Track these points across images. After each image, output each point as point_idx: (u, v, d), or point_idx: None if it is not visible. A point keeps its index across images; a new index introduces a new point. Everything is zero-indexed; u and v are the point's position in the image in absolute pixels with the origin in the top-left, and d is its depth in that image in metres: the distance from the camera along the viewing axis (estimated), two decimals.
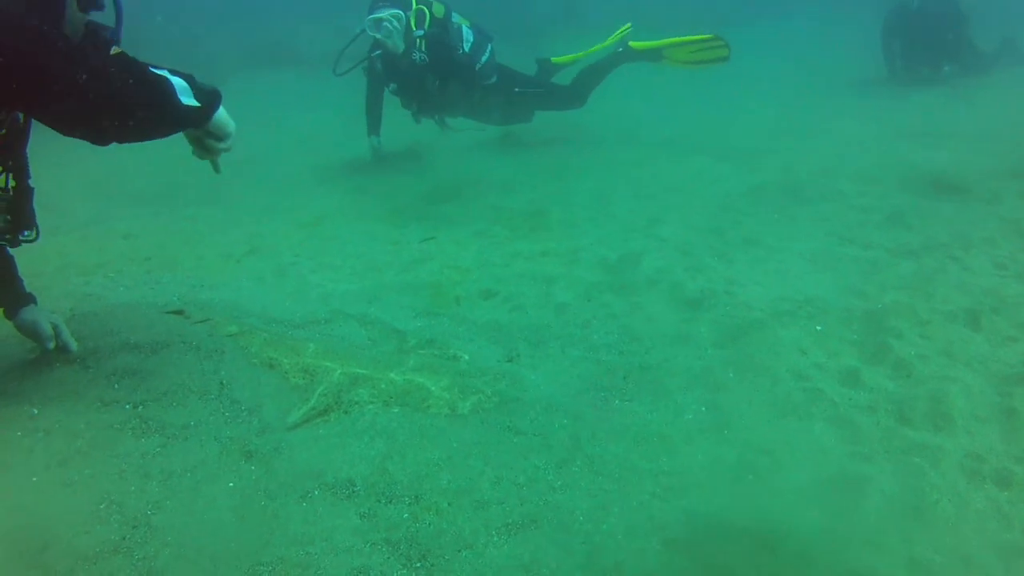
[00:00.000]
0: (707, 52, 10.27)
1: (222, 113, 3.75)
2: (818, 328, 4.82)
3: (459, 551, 3.08)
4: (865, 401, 4.11)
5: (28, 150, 3.98)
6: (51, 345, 4.20)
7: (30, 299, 4.29)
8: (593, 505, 3.33)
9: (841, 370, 4.41)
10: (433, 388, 4.17)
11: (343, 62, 9.41)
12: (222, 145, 3.85)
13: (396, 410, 4.01)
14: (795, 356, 4.52)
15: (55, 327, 4.26)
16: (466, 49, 9.49)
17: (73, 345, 4.27)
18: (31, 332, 4.24)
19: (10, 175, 3.91)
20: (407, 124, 10.19)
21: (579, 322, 5.13)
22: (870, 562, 3.02)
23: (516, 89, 10.17)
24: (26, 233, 3.99)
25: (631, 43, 10.38)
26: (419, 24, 9.04)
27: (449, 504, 3.33)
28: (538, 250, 6.50)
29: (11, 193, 3.91)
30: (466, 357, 4.56)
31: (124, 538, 3.12)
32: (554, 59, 10.67)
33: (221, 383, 4.19)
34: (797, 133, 10.21)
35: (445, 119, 10.07)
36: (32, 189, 4.00)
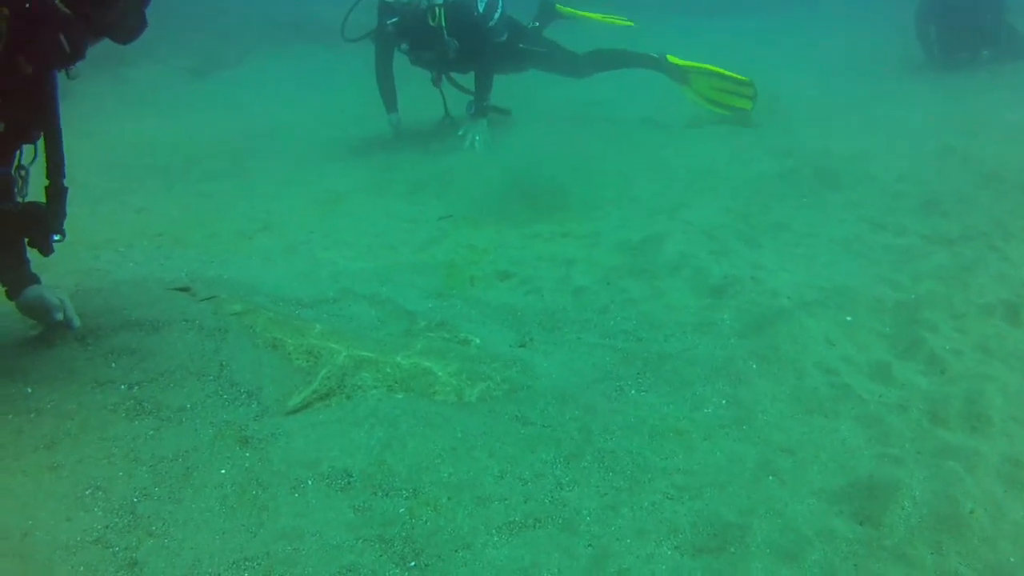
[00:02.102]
0: (732, 96, 10.06)
1: None
2: (847, 319, 4.60)
3: (455, 551, 2.90)
4: (896, 399, 3.88)
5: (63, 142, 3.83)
6: (59, 316, 4.08)
7: (35, 279, 4.16)
8: (602, 504, 3.14)
9: (871, 364, 4.19)
10: (440, 373, 4.00)
11: (351, 27, 9.23)
12: None
13: (400, 396, 3.86)
14: (822, 348, 4.30)
15: (60, 301, 4.13)
16: (480, 9, 9.30)
17: (76, 321, 4.15)
18: (36, 307, 4.11)
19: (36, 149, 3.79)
20: (428, 100, 9.99)
21: (597, 307, 4.95)
22: None
23: (520, 45, 10.00)
24: (56, 238, 3.86)
25: (669, 56, 10.23)
26: None
27: (449, 499, 3.15)
28: (558, 231, 6.33)
29: (27, 172, 3.80)
30: (477, 341, 4.38)
31: (107, 527, 3.00)
32: (559, 6, 10.63)
33: (221, 364, 4.06)
34: (831, 117, 9.93)
35: (454, 77, 9.90)
36: (67, 189, 3.87)
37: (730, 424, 3.67)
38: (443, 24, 8.91)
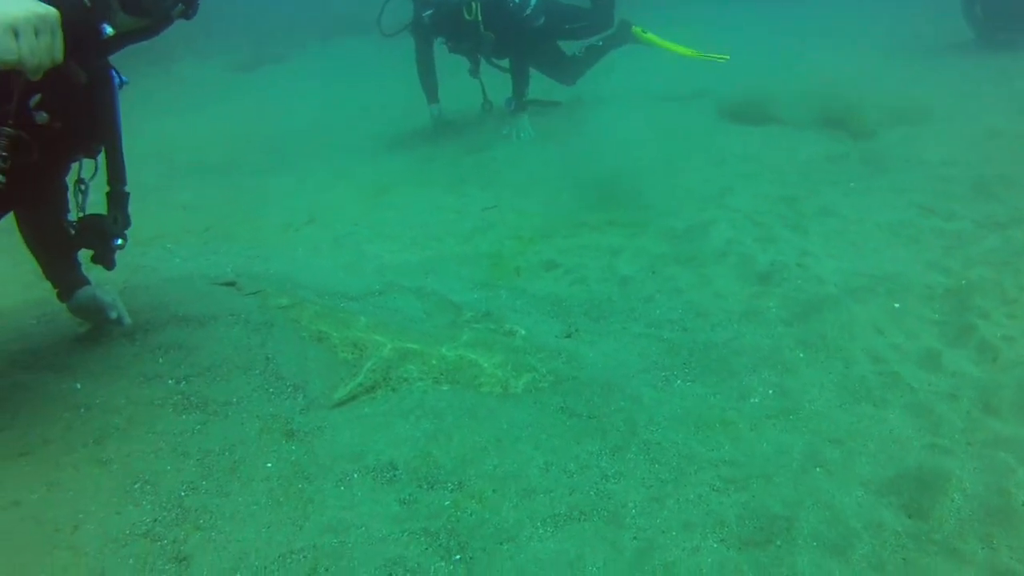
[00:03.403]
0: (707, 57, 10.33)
1: None
2: (896, 306, 4.53)
3: (500, 544, 2.89)
4: (946, 387, 3.80)
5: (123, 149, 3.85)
6: (113, 315, 4.14)
7: (85, 280, 4.21)
8: (647, 496, 3.12)
9: (920, 352, 4.11)
10: (486, 365, 3.99)
11: (388, 21, 9.25)
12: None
13: (446, 388, 3.85)
14: (871, 336, 4.24)
15: (113, 300, 4.19)
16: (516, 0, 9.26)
17: (127, 320, 4.21)
18: (90, 308, 4.18)
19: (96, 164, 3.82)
20: (469, 91, 9.98)
21: (642, 296, 4.92)
22: (949, 571, 2.76)
23: (566, 26, 9.94)
24: (119, 242, 3.88)
25: (636, 29, 10.23)
26: None
27: (494, 491, 3.15)
28: (603, 219, 6.30)
29: (87, 186, 3.83)
30: (522, 332, 4.37)
31: (155, 520, 3.03)
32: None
33: (267, 357, 4.08)
34: (877, 100, 9.75)
35: (493, 61, 9.85)
36: (127, 195, 3.89)
37: (777, 414, 3.63)
38: (479, 18, 8.91)
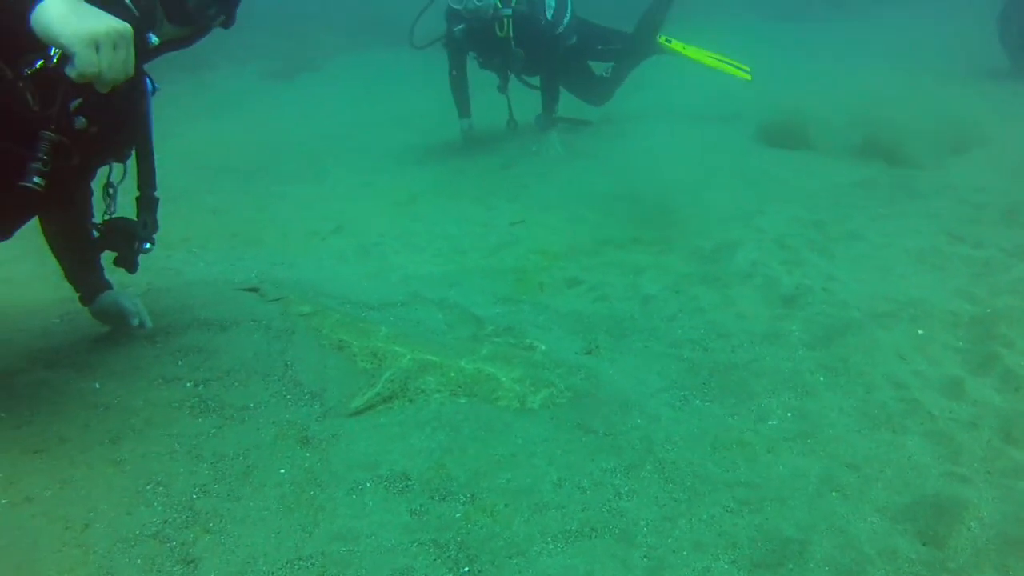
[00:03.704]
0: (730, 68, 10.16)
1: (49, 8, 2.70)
2: (920, 332, 4.49)
3: (509, 558, 2.87)
4: (967, 416, 3.76)
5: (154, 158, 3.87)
6: (135, 322, 4.17)
7: (108, 285, 4.24)
8: (659, 516, 3.09)
9: (943, 380, 4.06)
10: (504, 379, 3.97)
11: (419, 33, 9.34)
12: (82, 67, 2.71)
13: (463, 401, 3.84)
14: (893, 362, 4.19)
15: (135, 305, 4.22)
16: (549, 17, 9.28)
17: (149, 323, 4.23)
18: (112, 313, 4.22)
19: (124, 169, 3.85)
20: (501, 106, 9.99)
21: (664, 315, 4.91)
22: None
23: (599, 47, 9.98)
24: (147, 246, 3.91)
25: (661, 39, 10.13)
26: (506, 2, 8.85)
27: (506, 506, 3.13)
28: (629, 237, 6.30)
29: (115, 190, 3.86)
30: (543, 347, 4.35)
31: (165, 522, 3.03)
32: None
33: (286, 364, 4.09)
34: (911, 126, 9.66)
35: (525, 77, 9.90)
36: (157, 200, 3.92)
37: (795, 437, 3.60)
38: (511, 35, 8.93)
